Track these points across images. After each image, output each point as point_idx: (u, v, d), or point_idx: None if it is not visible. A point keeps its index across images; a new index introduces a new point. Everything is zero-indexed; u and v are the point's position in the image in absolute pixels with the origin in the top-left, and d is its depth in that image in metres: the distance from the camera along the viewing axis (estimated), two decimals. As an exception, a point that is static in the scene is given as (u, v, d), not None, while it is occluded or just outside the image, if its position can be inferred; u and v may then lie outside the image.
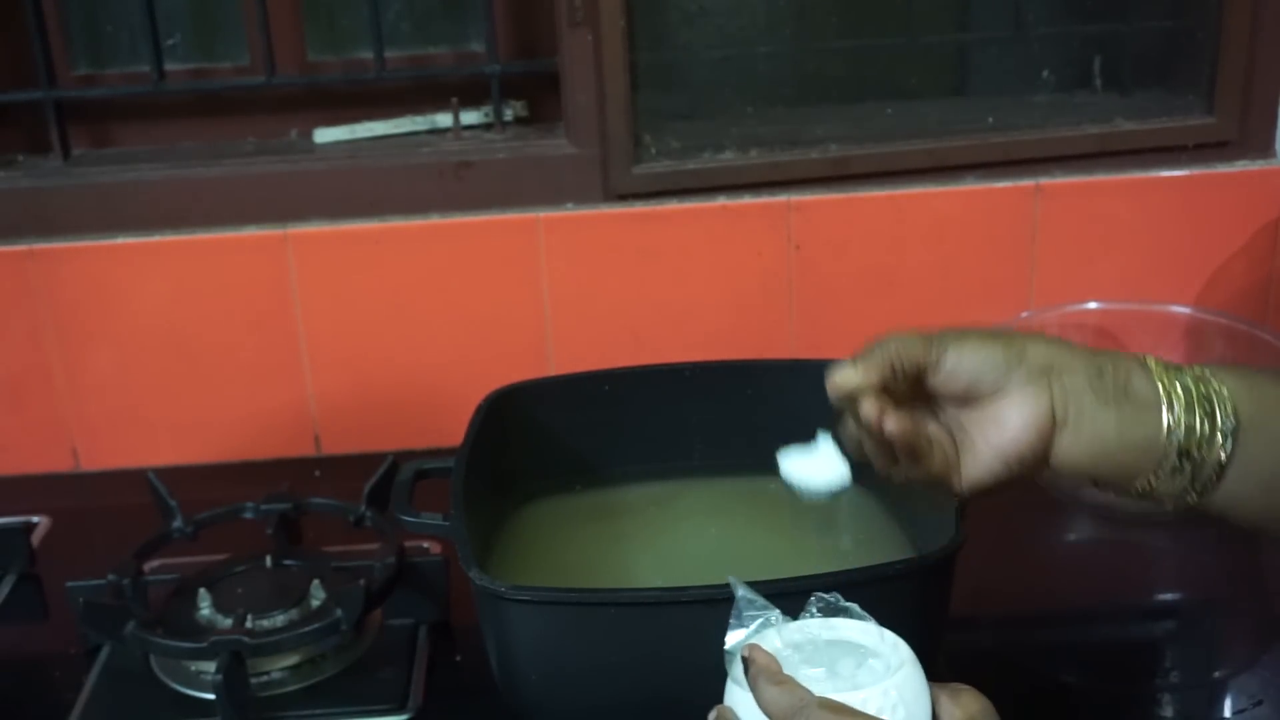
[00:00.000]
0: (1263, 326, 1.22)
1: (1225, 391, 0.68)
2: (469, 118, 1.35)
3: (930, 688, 0.62)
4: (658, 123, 1.32)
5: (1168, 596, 1.11)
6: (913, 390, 0.71)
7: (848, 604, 0.66)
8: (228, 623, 0.97)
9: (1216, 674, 0.99)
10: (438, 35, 1.39)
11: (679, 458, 1.08)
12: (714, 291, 1.30)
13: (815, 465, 0.76)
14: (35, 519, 1.21)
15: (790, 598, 0.69)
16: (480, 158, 1.29)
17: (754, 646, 0.63)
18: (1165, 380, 0.69)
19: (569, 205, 1.28)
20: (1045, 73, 1.40)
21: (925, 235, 1.30)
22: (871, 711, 0.59)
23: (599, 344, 1.30)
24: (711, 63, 1.36)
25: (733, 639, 0.65)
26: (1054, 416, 0.68)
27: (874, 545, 0.99)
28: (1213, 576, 1.12)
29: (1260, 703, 0.93)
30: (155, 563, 1.08)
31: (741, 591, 0.66)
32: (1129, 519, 1.15)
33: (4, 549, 1.14)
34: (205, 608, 0.99)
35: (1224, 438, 0.68)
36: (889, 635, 0.64)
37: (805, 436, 1.08)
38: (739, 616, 0.66)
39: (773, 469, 1.07)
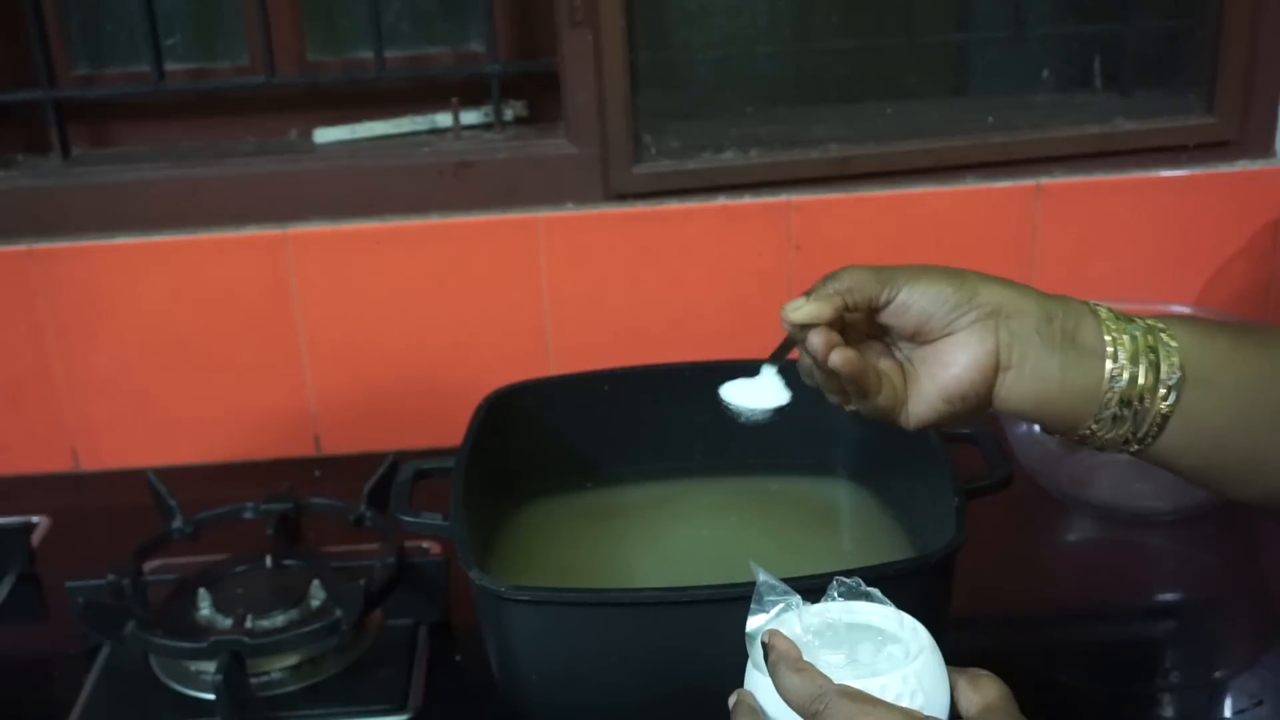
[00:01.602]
0: (1263, 326, 1.22)
1: (1174, 344, 0.69)
2: (469, 118, 1.35)
3: (949, 673, 0.62)
4: (658, 123, 1.32)
5: (1168, 596, 1.11)
6: (868, 323, 0.72)
7: (869, 589, 0.66)
8: (227, 623, 0.97)
9: (1216, 674, 0.99)
10: (438, 35, 1.39)
11: (679, 458, 1.08)
12: (714, 291, 1.30)
13: (755, 389, 0.76)
14: (35, 519, 1.21)
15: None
16: (480, 158, 1.29)
17: (774, 632, 0.63)
18: (1113, 329, 0.69)
19: (569, 205, 1.28)
20: (1045, 73, 1.40)
21: (925, 235, 1.30)
22: (890, 698, 0.59)
23: (599, 344, 1.30)
24: (711, 63, 1.36)
25: (753, 624, 0.65)
26: (999, 359, 0.69)
27: (874, 545, 0.99)
28: (1213, 576, 1.12)
29: (1260, 703, 0.93)
30: (155, 563, 1.08)
31: (762, 576, 0.66)
32: (1129, 519, 1.15)
33: (4, 549, 1.14)
34: (205, 608, 0.99)
35: (1167, 390, 0.68)
36: (909, 620, 0.64)
37: (805, 436, 1.08)
38: (759, 601, 0.66)
39: (773, 469, 1.08)
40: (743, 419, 0.77)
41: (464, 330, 1.29)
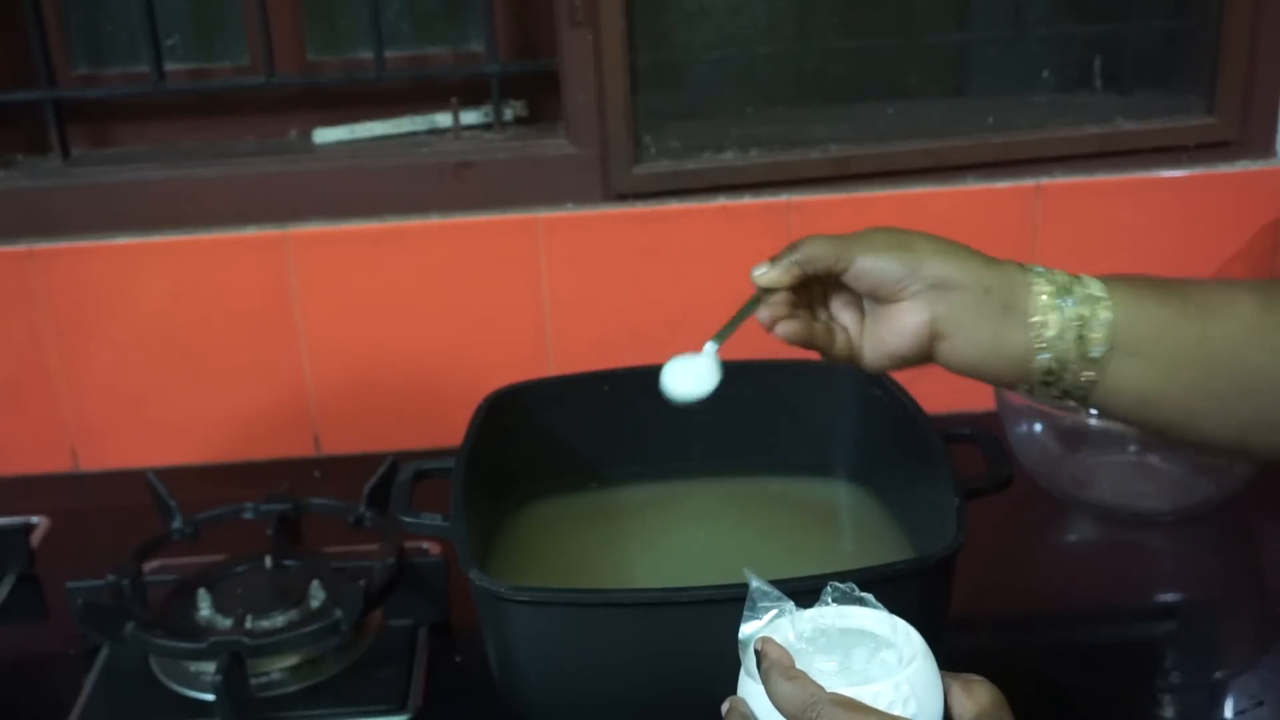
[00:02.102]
0: (1263, 326, 1.22)
1: (1107, 316, 0.74)
2: (469, 118, 1.35)
3: (943, 678, 0.62)
4: (658, 123, 1.32)
5: (1168, 596, 1.11)
6: (835, 280, 0.78)
7: (863, 594, 0.66)
8: (227, 623, 0.97)
9: (1217, 674, 0.99)
10: (438, 35, 1.39)
11: (679, 458, 1.08)
12: (714, 291, 1.30)
13: (693, 371, 0.84)
14: (35, 519, 1.21)
15: (790, 597, 0.69)
16: (480, 158, 1.29)
17: (767, 640, 0.63)
18: (1045, 304, 0.75)
19: (569, 205, 1.28)
20: (1045, 73, 1.40)
21: (925, 235, 1.30)
22: (883, 705, 0.59)
23: (599, 344, 1.30)
24: (711, 63, 1.36)
25: (746, 630, 0.65)
26: (935, 329, 0.75)
27: (874, 545, 0.99)
28: (1213, 576, 1.12)
29: (1261, 703, 0.93)
30: (155, 563, 1.08)
31: (755, 583, 0.66)
32: (1129, 519, 1.15)
33: (3, 549, 1.14)
34: (205, 608, 0.99)
35: (1089, 364, 0.74)
36: (902, 625, 0.64)
37: (805, 436, 1.08)
38: (753, 608, 0.66)
39: (773, 469, 1.08)
40: (677, 403, 0.83)
41: (464, 330, 1.29)
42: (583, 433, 1.07)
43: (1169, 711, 0.94)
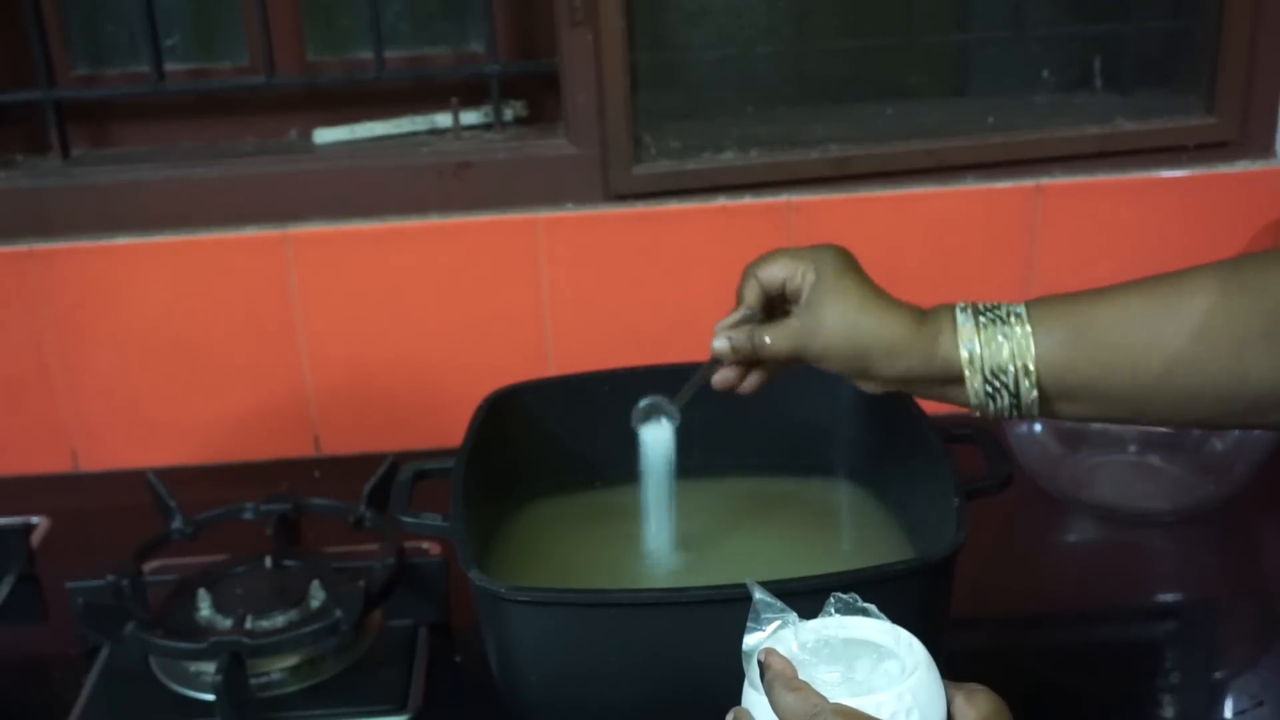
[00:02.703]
0: (1263, 326, 1.22)
1: (1033, 372, 0.77)
2: (469, 118, 1.35)
3: (945, 687, 0.62)
4: (658, 123, 1.32)
5: (1168, 596, 1.11)
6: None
7: (865, 605, 0.66)
8: (227, 623, 0.97)
9: (1217, 674, 0.99)
10: (438, 35, 1.39)
11: (679, 458, 1.08)
12: (714, 291, 1.30)
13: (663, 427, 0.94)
14: (35, 519, 1.21)
15: (791, 598, 0.69)
16: (480, 158, 1.29)
17: (770, 651, 0.63)
18: (981, 391, 0.78)
19: (569, 205, 1.28)
20: (1045, 73, 1.40)
21: (925, 235, 1.30)
22: (886, 715, 0.59)
23: (599, 344, 1.30)
24: (711, 63, 1.36)
25: (750, 641, 0.65)
26: (886, 392, 0.83)
27: (874, 545, 0.99)
28: (1213, 576, 1.12)
29: (1261, 703, 0.93)
30: (155, 563, 1.08)
31: (759, 594, 0.66)
32: (1129, 519, 1.15)
33: (3, 549, 1.14)
34: (205, 608, 0.99)
35: (1029, 410, 0.78)
36: (905, 635, 0.64)
37: (805, 436, 1.08)
38: (756, 619, 0.66)
39: (773, 469, 1.08)
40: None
41: (464, 330, 1.29)
42: (583, 433, 1.07)
43: (1169, 711, 0.94)
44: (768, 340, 0.84)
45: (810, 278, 0.83)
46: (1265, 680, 0.96)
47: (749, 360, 0.86)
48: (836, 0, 1.37)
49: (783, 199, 1.28)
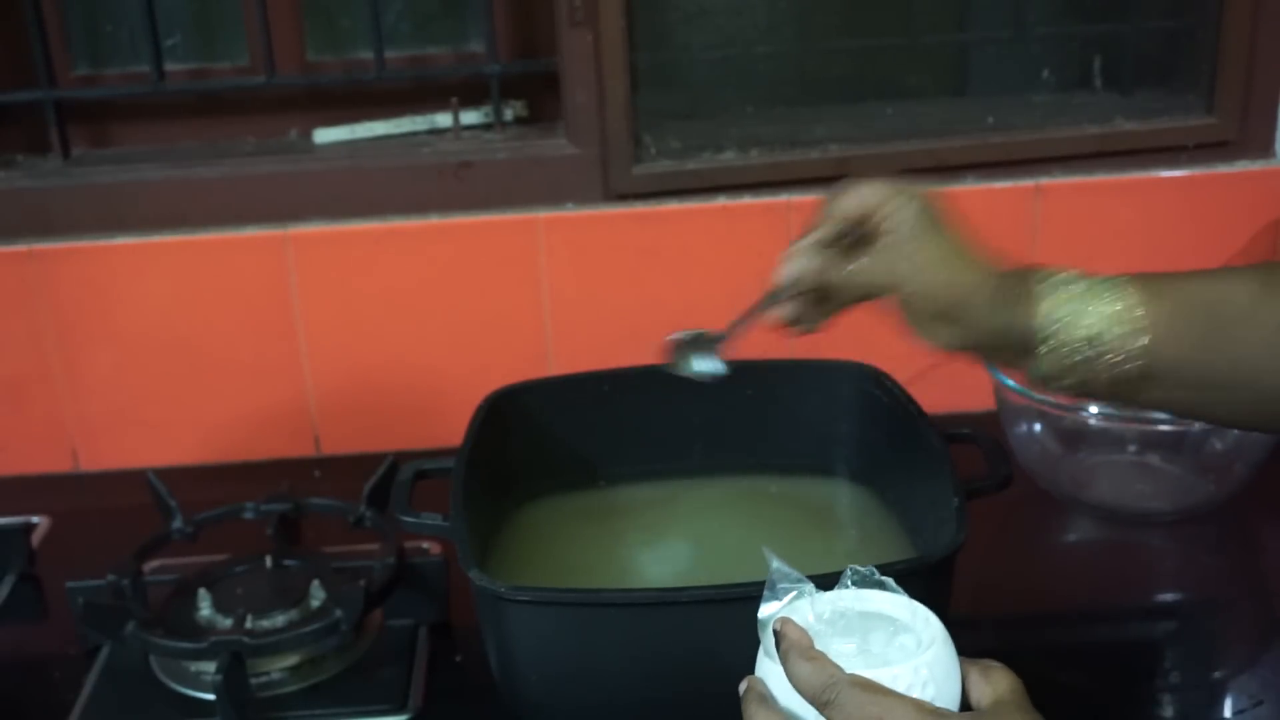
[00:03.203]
0: (1263, 326, 1.22)
1: (1137, 341, 0.71)
2: (469, 118, 1.35)
3: (961, 664, 0.62)
4: (658, 123, 1.32)
5: (1168, 596, 1.11)
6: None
7: (883, 578, 0.66)
8: (227, 623, 0.97)
9: (1216, 674, 0.99)
10: (438, 35, 1.39)
11: (679, 458, 1.08)
12: (714, 291, 1.30)
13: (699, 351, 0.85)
14: (35, 519, 1.21)
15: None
16: (480, 158, 1.29)
17: (786, 620, 0.63)
18: (1068, 330, 0.72)
19: (569, 205, 1.28)
20: (1045, 73, 1.40)
21: (925, 235, 1.30)
22: (902, 688, 0.59)
23: (599, 344, 1.30)
24: (711, 63, 1.36)
25: (766, 611, 0.65)
26: (963, 350, 0.77)
27: (874, 545, 0.99)
28: (1213, 576, 1.12)
29: (1260, 703, 0.93)
30: (155, 563, 1.08)
31: (775, 564, 0.66)
32: (1129, 519, 1.15)
33: (4, 549, 1.14)
34: (205, 608, 0.99)
35: (1109, 384, 0.72)
36: (921, 610, 0.64)
37: (805, 436, 1.08)
38: (772, 588, 0.66)
39: (773, 469, 1.08)
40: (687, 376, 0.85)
41: (464, 330, 1.29)
42: (583, 433, 1.07)
43: (1169, 711, 0.94)
44: (852, 269, 0.76)
45: (911, 208, 0.76)
46: (1265, 680, 0.96)
47: (815, 293, 0.78)
48: (836, 0, 1.37)
49: (783, 199, 1.28)
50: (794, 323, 0.80)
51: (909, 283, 0.75)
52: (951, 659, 0.62)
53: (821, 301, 0.79)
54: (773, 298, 0.79)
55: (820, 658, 0.61)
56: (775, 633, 0.63)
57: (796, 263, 0.77)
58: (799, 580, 0.66)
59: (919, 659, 0.60)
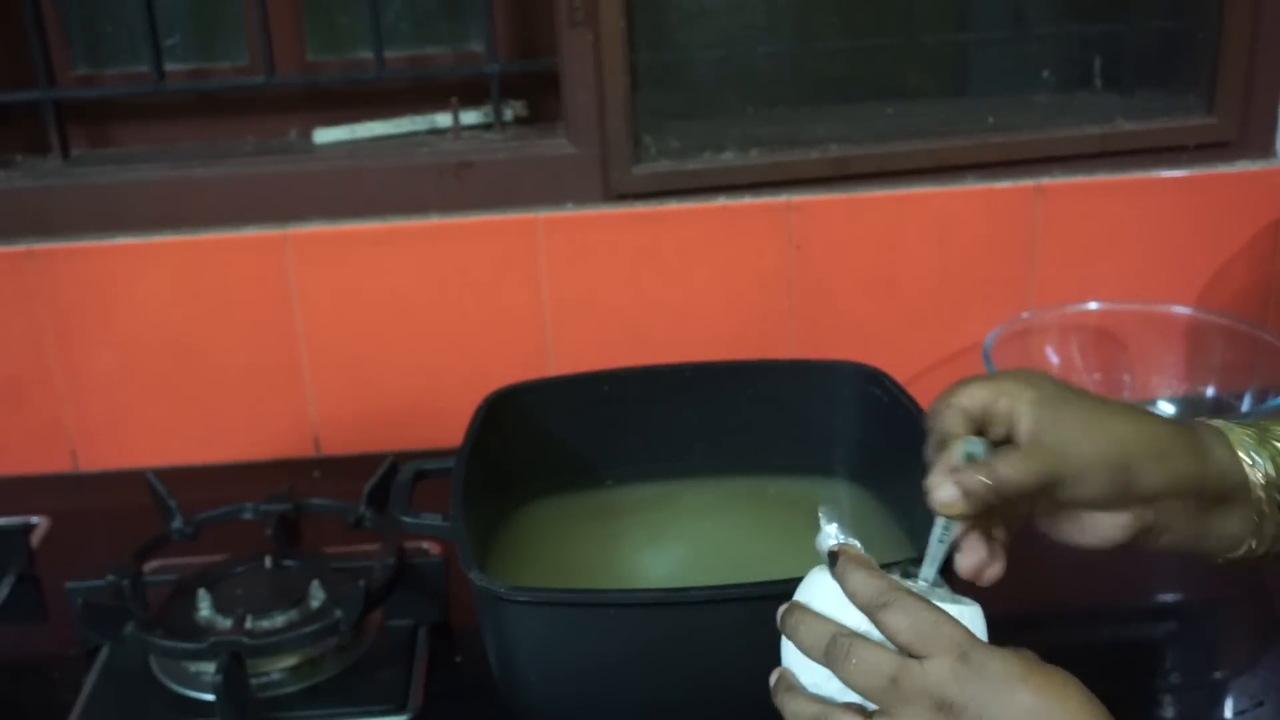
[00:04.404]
0: (1263, 327, 1.22)
1: None
2: (469, 118, 1.35)
3: None
4: (658, 123, 1.32)
5: (1168, 596, 1.11)
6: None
7: (937, 585, 0.68)
8: (227, 623, 0.97)
9: (1217, 675, 0.99)
10: (438, 35, 1.39)
11: (679, 458, 1.08)
12: (714, 291, 1.30)
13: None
14: (35, 519, 1.21)
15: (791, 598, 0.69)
16: (480, 158, 1.29)
17: (844, 545, 0.65)
18: (1261, 495, 0.68)
19: (569, 205, 1.28)
20: (1045, 73, 1.40)
21: (925, 235, 1.30)
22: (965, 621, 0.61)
23: (599, 344, 1.30)
24: (711, 63, 1.36)
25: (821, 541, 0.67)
26: (1135, 537, 0.69)
27: (874, 545, 0.98)
28: (1213, 576, 1.12)
29: (1261, 704, 0.93)
30: (155, 563, 1.08)
31: (826, 526, 0.68)
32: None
33: (3, 549, 1.14)
34: (205, 608, 0.99)
35: None
36: (969, 604, 0.66)
37: (805, 436, 1.08)
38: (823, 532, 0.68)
39: (773, 469, 1.08)
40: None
41: (464, 330, 1.29)
42: (583, 433, 1.07)
43: (1169, 712, 0.94)
44: (1008, 472, 0.65)
45: (1027, 395, 0.67)
46: (1265, 680, 0.96)
47: (985, 509, 0.66)
48: (836, 0, 1.37)
49: (783, 199, 1.28)
50: (983, 568, 0.69)
51: (1067, 466, 0.66)
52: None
53: (991, 522, 0.69)
54: (945, 530, 0.68)
55: (878, 571, 0.63)
56: (832, 552, 0.64)
57: (951, 484, 0.65)
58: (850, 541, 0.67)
59: (978, 619, 0.64)
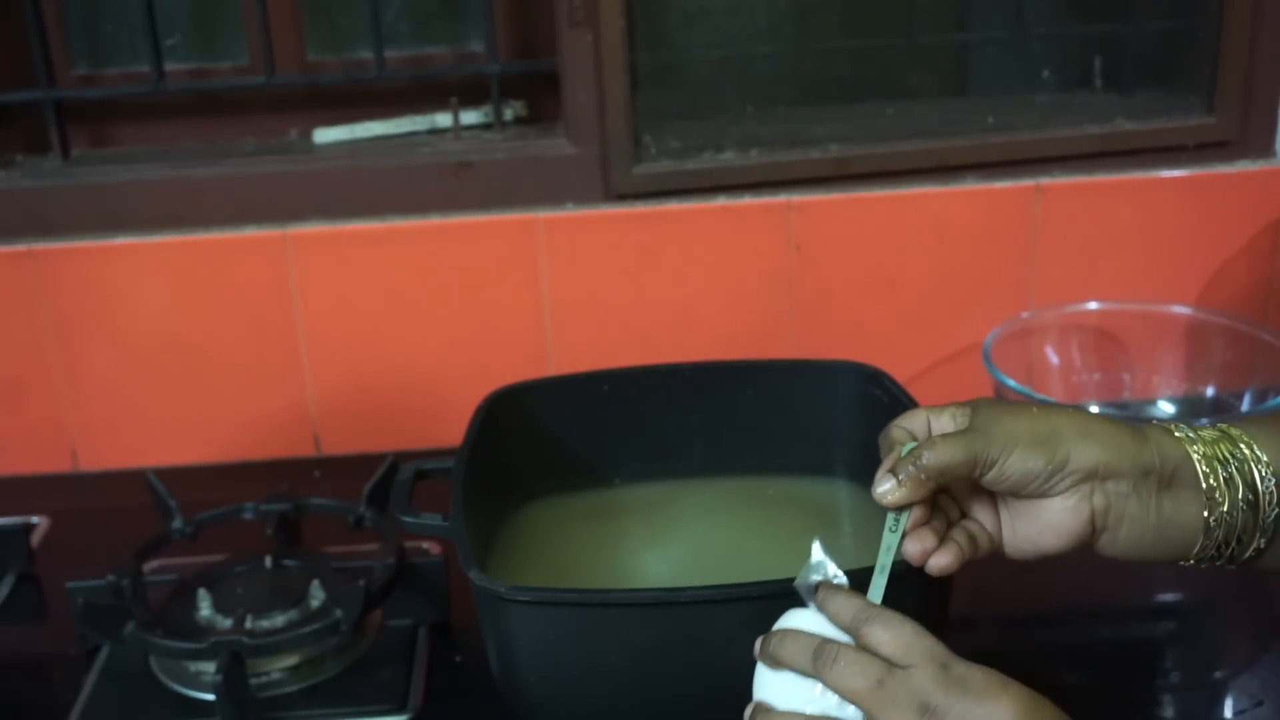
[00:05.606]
0: (1263, 327, 1.22)
1: (1271, 481, 0.69)
2: (469, 118, 1.35)
3: None
4: (658, 123, 1.32)
5: (1168, 596, 1.11)
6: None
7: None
8: (227, 623, 0.97)
9: (1217, 674, 0.99)
10: (437, 35, 1.39)
11: (679, 458, 1.08)
12: (714, 291, 1.30)
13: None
14: (35, 519, 1.21)
15: (791, 598, 0.69)
16: (480, 158, 1.29)
17: (825, 582, 0.68)
18: (1210, 473, 0.70)
19: (569, 205, 1.28)
20: (1045, 73, 1.40)
21: (925, 235, 1.30)
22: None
23: (599, 344, 1.30)
24: (711, 63, 1.36)
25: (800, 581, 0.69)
26: (1093, 524, 0.70)
27: (874, 545, 0.99)
28: (1213, 576, 1.12)
29: (1261, 703, 0.93)
30: (155, 563, 1.08)
31: (818, 558, 0.69)
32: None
33: (4, 549, 1.14)
34: (205, 608, 0.99)
35: (1262, 535, 0.71)
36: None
37: (805, 436, 1.08)
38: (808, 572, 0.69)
39: (773, 469, 1.08)
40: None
41: (464, 330, 1.29)
42: (583, 433, 1.07)
43: (1169, 711, 0.94)
44: (929, 457, 0.68)
45: (967, 406, 0.72)
46: (1265, 680, 0.96)
47: (926, 495, 0.70)
48: (836, 0, 1.37)
49: (783, 199, 1.28)
50: (929, 554, 0.71)
51: (991, 447, 0.68)
52: None
53: (935, 511, 0.72)
54: (893, 525, 0.72)
55: (856, 594, 0.66)
56: (814, 586, 0.67)
57: (886, 476, 0.70)
58: (834, 575, 0.69)
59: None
